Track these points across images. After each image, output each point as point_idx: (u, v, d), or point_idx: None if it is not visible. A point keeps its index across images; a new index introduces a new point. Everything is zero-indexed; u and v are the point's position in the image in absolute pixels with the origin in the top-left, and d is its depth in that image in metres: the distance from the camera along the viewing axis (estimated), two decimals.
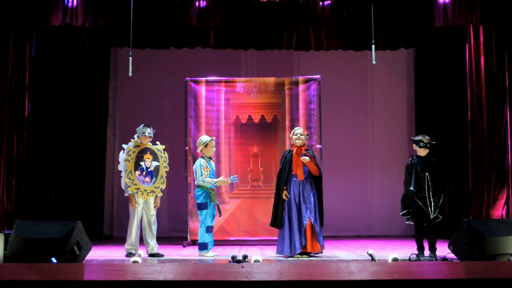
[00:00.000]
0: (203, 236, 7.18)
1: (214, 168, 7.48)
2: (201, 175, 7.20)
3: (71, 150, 10.06)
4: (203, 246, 7.19)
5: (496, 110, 8.99)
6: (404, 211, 6.90)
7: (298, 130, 7.30)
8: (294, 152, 7.17)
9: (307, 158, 7.04)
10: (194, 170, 7.45)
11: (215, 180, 7.26)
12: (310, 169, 7.08)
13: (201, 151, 7.41)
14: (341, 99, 11.02)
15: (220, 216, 7.52)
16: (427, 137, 6.89)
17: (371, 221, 10.94)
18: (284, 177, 7.12)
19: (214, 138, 7.59)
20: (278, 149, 9.26)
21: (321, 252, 7.05)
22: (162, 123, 10.72)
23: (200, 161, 7.29)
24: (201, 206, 7.24)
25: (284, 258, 6.85)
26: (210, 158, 7.42)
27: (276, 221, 7.15)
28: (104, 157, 10.70)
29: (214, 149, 7.52)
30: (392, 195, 10.24)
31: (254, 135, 9.37)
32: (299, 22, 9.11)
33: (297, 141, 7.19)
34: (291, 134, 7.33)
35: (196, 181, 7.34)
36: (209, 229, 7.21)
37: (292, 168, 7.12)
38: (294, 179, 7.10)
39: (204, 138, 7.45)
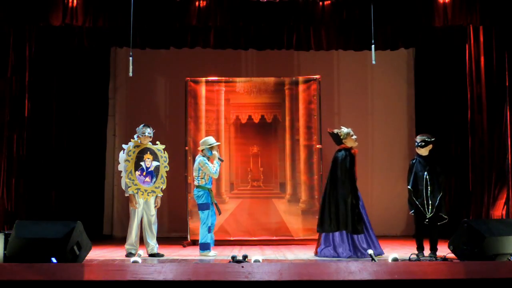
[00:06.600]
0: (205, 236, 7.18)
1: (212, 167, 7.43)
2: (202, 175, 7.23)
3: (71, 150, 10.05)
4: (205, 246, 7.18)
5: (496, 110, 8.98)
6: (413, 210, 6.90)
7: (352, 130, 7.09)
8: (355, 155, 7.00)
9: None
10: (194, 169, 7.44)
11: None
12: None
13: (202, 150, 7.41)
14: (341, 99, 11.01)
15: (219, 214, 7.52)
16: (423, 137, 6.90)
17: (371, 221, 10.89)
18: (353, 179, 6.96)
19: (219, 143, 7.62)
20: (278, 149, 9.27)
21: None
22: (162, 123, 10.73)
23: (201, 160, 7.29)
24: (203, 207, 7.24)
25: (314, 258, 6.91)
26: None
27: (358, 225, 7.19)
28: (104, 157, 10.70)
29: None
30: (392, 195, 10.25)
31: (254, 135, 9.37)
32: (299, 22, 9.10)
33: (356, 143, 7.08)
34: (350, 135, 7.04)
35: (196, 182, 7.34)
36: (210, 229, 7.22)
37: (355, 172, 6.97)
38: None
39: (211, 140, 7.43)
